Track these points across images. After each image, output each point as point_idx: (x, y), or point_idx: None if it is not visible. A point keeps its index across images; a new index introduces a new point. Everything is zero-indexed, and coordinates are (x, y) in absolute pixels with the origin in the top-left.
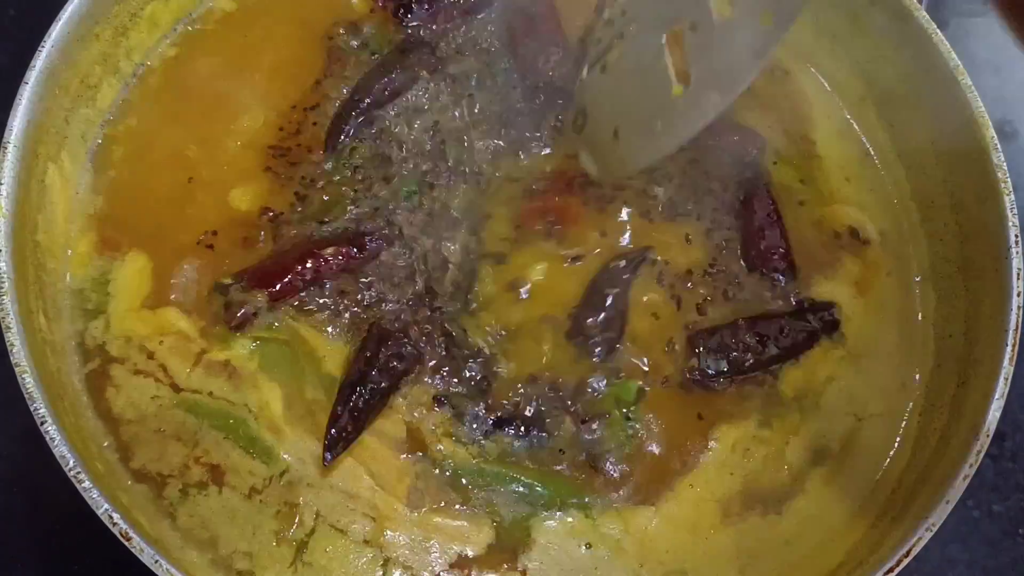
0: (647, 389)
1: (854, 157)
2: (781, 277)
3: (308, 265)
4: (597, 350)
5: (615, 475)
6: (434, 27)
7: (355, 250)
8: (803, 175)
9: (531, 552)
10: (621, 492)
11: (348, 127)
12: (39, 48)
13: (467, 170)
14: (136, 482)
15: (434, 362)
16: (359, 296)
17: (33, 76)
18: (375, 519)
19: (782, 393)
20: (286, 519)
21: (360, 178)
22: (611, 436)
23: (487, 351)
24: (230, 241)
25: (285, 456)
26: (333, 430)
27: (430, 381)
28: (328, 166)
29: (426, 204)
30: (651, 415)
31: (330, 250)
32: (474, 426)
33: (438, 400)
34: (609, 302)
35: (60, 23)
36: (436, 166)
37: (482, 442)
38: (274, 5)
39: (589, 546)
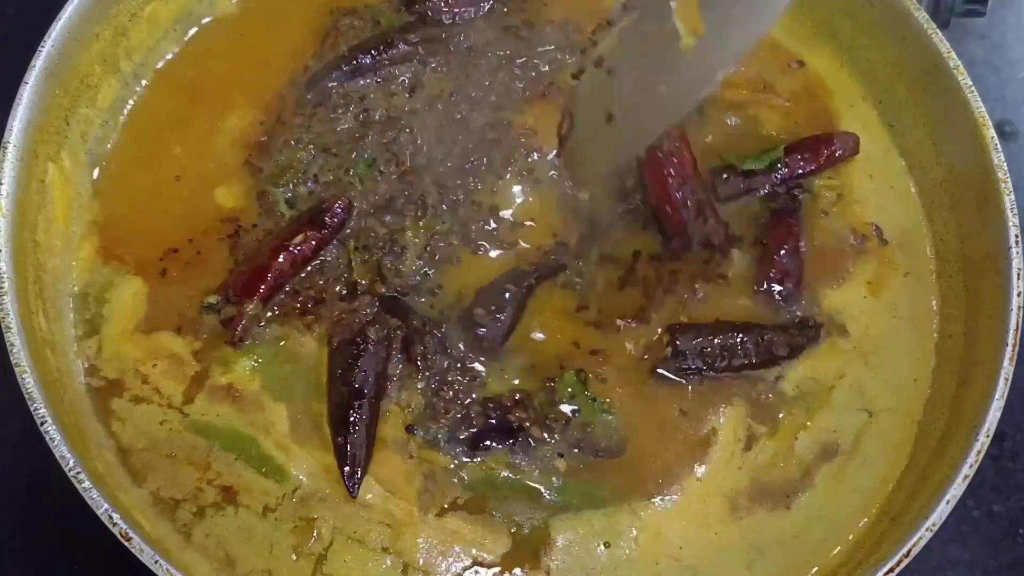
0: (588, 374)
1: (878, 152)
2: (787, 299)
3: (282, 259)
4: (483, 343)
5: (615, 459)
6: (445, 15)
7: (319, 231)
8: (840, 184)
9: (552, 553)
10: (631, 487)
11: (322, 84)
12: (39, 48)
13: (439, 159)
14: (153, 505)
15: (400, 367)
16: (325, 291)
17: (33, 76)
18: (391, 526)
19: (783, 390)
20: (303, 534)
21: (323, 147)
22: (596, 425)
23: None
24: (206, 251)
25: (296, 473)
26: (347, 466)
27: (397, 383)
28: (294, 129)
29: (386, 178)
30: (629, 407)
31: (298, 238)
32: (457, 449)
33: (409, 429)
34: (506, 299)
35: (60, 23)
36: (402, 143)
37: (473, 458)
38: (279, 3)
39: (608, 544)
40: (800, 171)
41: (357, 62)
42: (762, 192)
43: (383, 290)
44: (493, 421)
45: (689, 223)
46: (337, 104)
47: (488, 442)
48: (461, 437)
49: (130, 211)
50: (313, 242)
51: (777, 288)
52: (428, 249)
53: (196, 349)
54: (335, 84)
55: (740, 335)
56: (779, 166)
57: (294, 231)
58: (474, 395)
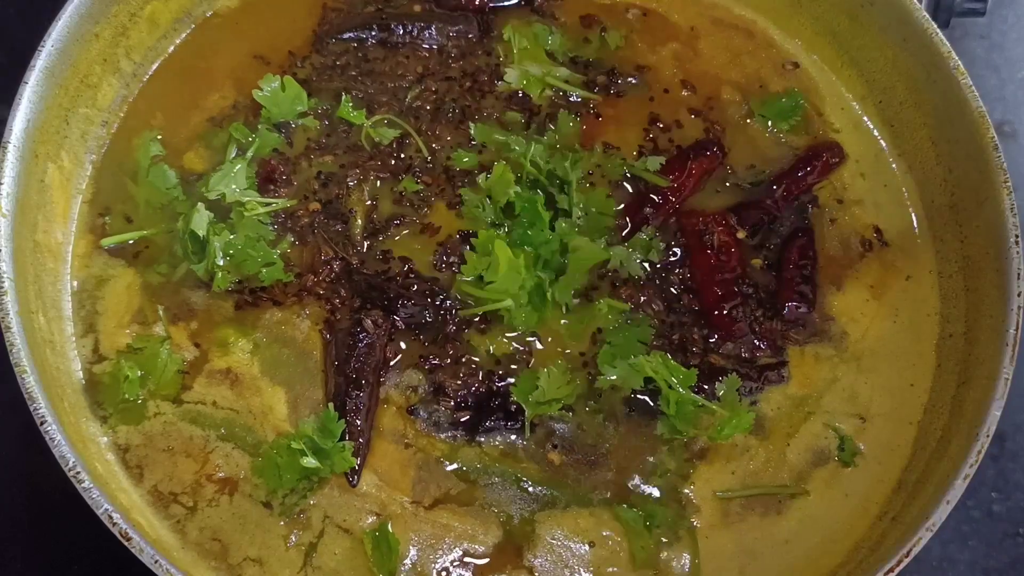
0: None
1: (869, 152)
2: (803, 323)
3: None
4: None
5: (603, 464)
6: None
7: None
8: (836, 188)
9: (536, 549)
10: (618, 489)
11: (334, 35)
12: (39, 48)
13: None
14: (151, 504)
15: (400, 355)
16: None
17: (33, 76)
18: (380, 515)
19: (761, 411)
20: (295, 523)
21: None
22: (588, 427)
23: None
24: None
25: None
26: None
27: (394, 371)
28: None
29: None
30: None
31: None
32: (457, 432)
33: (411, 411)
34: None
35: (60, 23)
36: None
37: (472, 441)
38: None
39: (592, 544)
40: (804, 184)
41: (390, 28)
42: (783, 225)
43: (335, 265)
44: (497, 398)
45: (735, 332)
46: (337, 54)
47: (489, 423)
48: (462, 420)
49: (118, 188)
50: None
51: (793, 315)
52: (374, 215)
53: (193, 330)
54: (350, 36)
55: (701, 380)
56: (773, 183)
57: None
58: (475, 358)
